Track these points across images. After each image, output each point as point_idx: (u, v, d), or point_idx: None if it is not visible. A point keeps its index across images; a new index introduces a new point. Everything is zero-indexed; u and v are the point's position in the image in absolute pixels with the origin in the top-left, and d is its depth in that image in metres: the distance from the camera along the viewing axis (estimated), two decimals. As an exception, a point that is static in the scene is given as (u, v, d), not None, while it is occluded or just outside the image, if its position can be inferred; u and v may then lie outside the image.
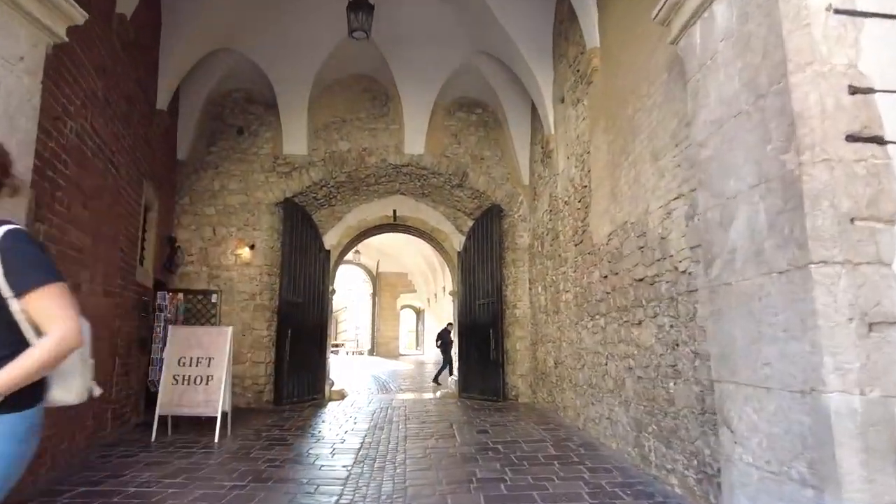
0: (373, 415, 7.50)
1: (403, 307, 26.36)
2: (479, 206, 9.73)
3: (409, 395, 10.00)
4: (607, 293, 5.00)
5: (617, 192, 4.71)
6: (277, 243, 8.85)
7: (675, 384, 3.54)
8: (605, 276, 5.05)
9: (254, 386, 8.32)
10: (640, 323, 4.17)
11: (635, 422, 4.26)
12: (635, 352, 4.26)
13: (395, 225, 10.26)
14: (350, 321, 31.74)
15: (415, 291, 25.55)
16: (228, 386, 5.83)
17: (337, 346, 29.07)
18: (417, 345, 28.14)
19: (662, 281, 3.75)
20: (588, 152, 5.68)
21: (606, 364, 5.01)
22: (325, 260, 9.57)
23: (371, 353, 25.13)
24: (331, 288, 9.69)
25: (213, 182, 8.76)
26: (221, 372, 5.64)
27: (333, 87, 9.22)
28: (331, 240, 9.87)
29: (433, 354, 22.68)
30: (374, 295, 25.61)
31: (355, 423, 6.86)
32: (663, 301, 3.73)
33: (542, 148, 8.11)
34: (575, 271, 6.19)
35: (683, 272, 3.43)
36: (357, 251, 21.35)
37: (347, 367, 17.77)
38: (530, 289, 8.98)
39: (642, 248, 4.10)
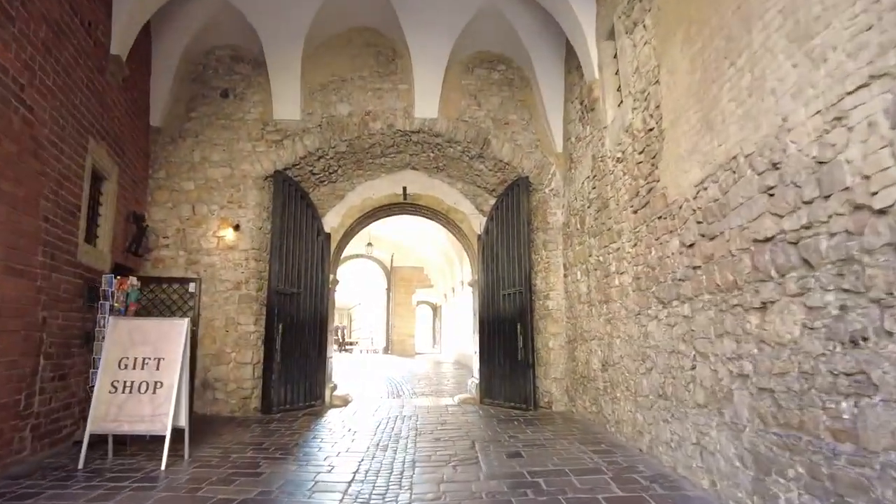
0: (377, 427, 6.15)
1: (419, 303, 25.02)
2: (502, 180, 8.31)
3: (424, 401, 8.64)
4: (694, 268, 3.55)
5: (713, 119, 3.26)
6: (266, 224, 7.56)
7: (856, 405, 2.09)
8: (691, 245, 3.60)
9: (239, 391, 7.03)
10: (764, 306, 2.73)
11: (755, 458, 2.82)
12: (755, 350, 2.82)
13: (404, 205, 8.89)
14: (364, 318, 30.56)
15: (431, 286, 24.20)
16: (185, 394, 4.52)
17: (350, 344, 27.92)
18: (434, 343, 26.81)
19: (821, 234, 2.30)
20: (656, 82, 4.23)
21: (694, 368, 3.56)
22: (324, 244, 8.25)
23: (386, 351, 23.86)
24: (332, 277, 8.37)
25: (193, 153, 7.51)
26: (174, 377, 4.33)
27: (332, 43, 7.89)
28: (331, 222, 8.55)
29: (451, 353, 21.35)
30: (388, 290, 24.33)
31: (353, 439, 5.51)
32: (823, 267, 2.28)
33: (582, 102, 6.66)
34: (635, 245, 4.75)
35: (879, 212, 1.98)
36: (370, 244, 20.15)
37: (359, 366, 16.52)
38: (565, 276, 7.53)
39: (772, 188, 2.65)
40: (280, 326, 7.27)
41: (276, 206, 7.45)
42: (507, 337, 7.82)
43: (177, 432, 4.43)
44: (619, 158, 5.25)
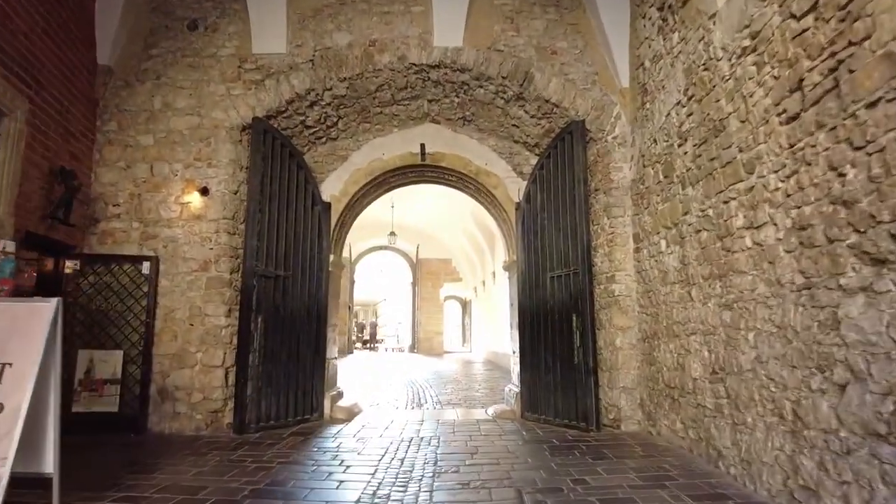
0: (381, 459, 4.38)
1: (447, 298, 23.25)
2: (548, 129, 6.42)
3: (450, 414, 6.84)
4: None
5: None
6: (244, 187, 5.88)
7: None
8: None
9: (206, 403, 5.38)
10: None
11: None
12: None
13: (423, 168, 7.09)
14: (390, 315, 29.01)
15: (460, 280, 22.39)
16: (52, 423, 2.82)
17: (377, 342, 26.39)
18: (464, 341, 24.99)
19: None
20: None
21: None
22: (321, 216, 6.54)
23: (412, 350, 22.20)
24: (331, 258, 6.65)
25: (153, 99, 5.90)
26: (23, 395, 2.63)
27: (327, -44, 6.16)
28: (331, 188, 6.82)
29: (482, 352, 19.51)
30: (413, 284, 22.64)
31: (342, 480, 3.76)
32: None
33: (663, 6, 4.73)
34: (793, 174, 2.82)
35: None
36: (393, 233, 18.48)
37: (381, 366, 14.85)
38: (636, 250, 5.60)
39: None
40: (259, 319, 5.58)
41: (256, 161, 5.75)
42: (556, 333, 5.94)
43: (43, 481, 2.75)
44: (745, 49, 3.31)
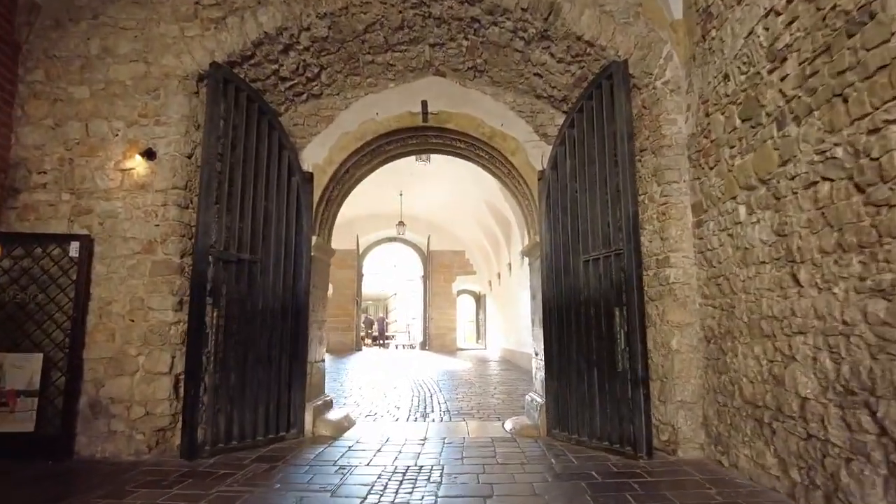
0: (365, 499, 3.22)
1: (460, 293, 22.00)
2: (579, 76, 5.16)
3: (459, 429, 5.66)
4: None
5: None
6: (200, 150, 4.73)
7: None
8: None
9: (149, 419, 4.26)
10: None
11: None
12: None
13: (425, 131, 5.88)
14: (400, 310, 27.90)
15: (473, 273, 21.14)
16: None
17: (387, 338, 25.31)
18: (478, 338, 23.77)
19: None
20: None
21: None
22: (301, 189, 5.38)
23: (424, 346, 21.05)
24: (313, 240, 5.48)
25: (89, 42, 4.77)
26: None
27: None
28: (314, 156, 5.65)
29: (497, 349, 18.29)
30: (424, 278, 21.45)
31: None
32: None
33: None
34: None
35: None
36: (401, 223, 17.34)
37: (388, 365, 13.71)
38: (697, 224, 4.33)
39: None
40: (215, 313, 4.44)
41: (214, 116, 4.59)
42: (592, 331, 4.71)
43: None
44: None
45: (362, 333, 22.56)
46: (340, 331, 20.25)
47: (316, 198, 5.53)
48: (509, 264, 15.91)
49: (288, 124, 5.64)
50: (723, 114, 3.86)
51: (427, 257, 20.90)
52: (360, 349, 20.59)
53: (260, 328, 4.81)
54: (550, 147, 5.56)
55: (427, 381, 10.17)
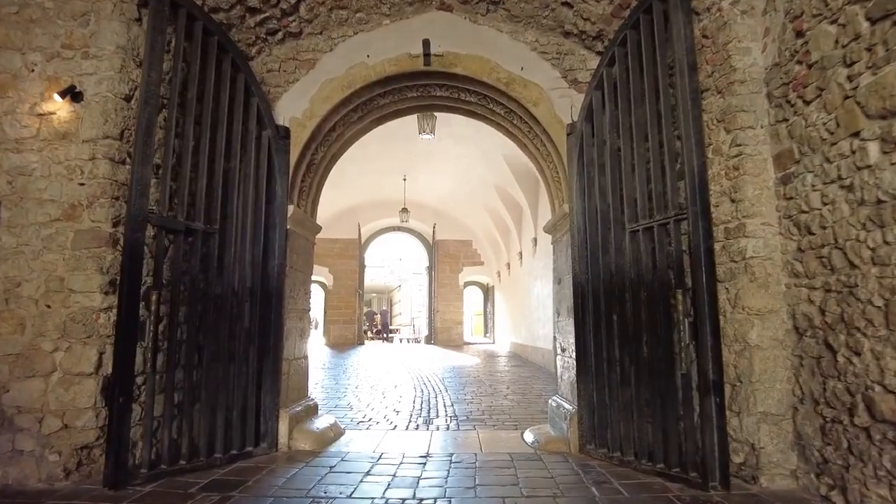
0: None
1: (467, 284, 20.97)
2: (620, 3, 4.10)
3: (469, 440, 4.67)
4: None
5: None
6: (139, 91, 3.71)
7: None
8: None
9: (67, 434, 3.27)
10: None
11: None
12: None
13: (427, 78, 4.84)
14: (405, 303, 26.94)
15: (481, 264, 20.13)
16: None
17: (391, 332, 24.39)
18: (486, 331, 22.77)
19: None
20: None
21: None
22: (274, 146, 4.36)
23: (429, 340, 20.08)
24: (290, 210, 4.47)
25: (1, -44, 3.76)
26: None
27: None
28: (291, 108, 4.63)
29: (506, 343, 17.28)
30: (430, 269, 20.44)
31: None
32: None
33: None
34: None
35: None
36: (405, 209, 16.33)
37: (391, 360, 12.73)
38: (783, 181, 3.28)
39: None
40: (154, 297, 3.43)
41: (156, 47, 3.56)
42: (640, 321, 3.68)
43: None
44: None
45: (364, 327, 21.62)
46: (342, 324, 19.34)
47: (293, 159, 4.51)
48: (520, 253, 14.88)
49: (261, 70, 4.63)
50: (834, 22, 2.80)
51: (432, 247, 19.90)
52: (362, 343, 19.67)
53: (218, 317, 3.82)
54: (582, 96, 4.52)
55: (431, 379, 9.19)
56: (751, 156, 3.43)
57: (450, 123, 10.39)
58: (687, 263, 3.42)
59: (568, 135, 4.48)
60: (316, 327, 23.43)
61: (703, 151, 3.45)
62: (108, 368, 3.38)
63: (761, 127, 3.46)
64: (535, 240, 12.95)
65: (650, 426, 3.54)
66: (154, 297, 3.40)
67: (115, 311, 3.41)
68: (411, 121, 9.87)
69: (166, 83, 3.73)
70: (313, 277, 21.67)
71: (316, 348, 17.07)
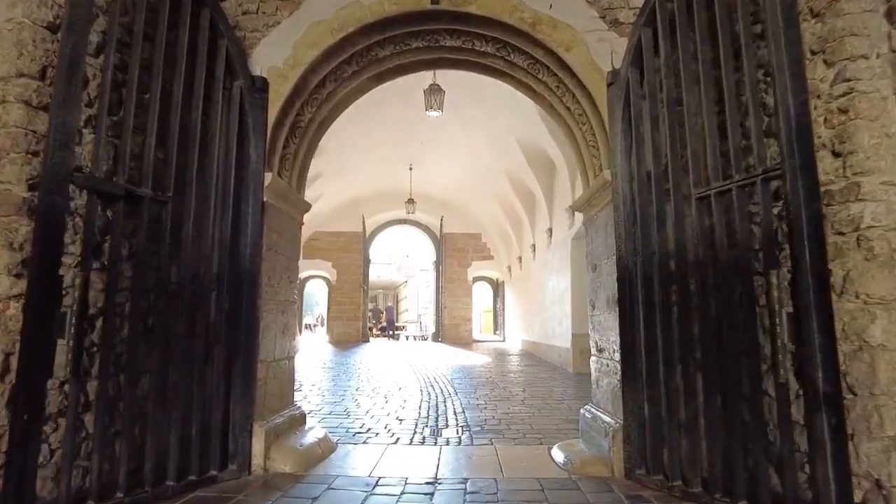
0: None
1: (476, 279, 20.13)
2: (680, -88, 3.24)
3: (486, 462, 3.86)
4: None
5: None
6: (65, 19, 2.91)
7: None
8: None
9: (-35, 461, 2.49)
10: None
11: None
12: None
13: (434, 21, 4.01)
14: (411, 299, 26.15)
15: (491, 258, 19.29)
16: None
17: (397, 329, 23.63)
18: (496, 328, 21.94)
19: None
20: None
21: None
22: (248, 100, 3.55)
23: (437, 338, 19.29)
24: (267, 178, 3.67)
25: None
26: None
27: None
28: (272, 56, 3.81)
29: (516, 341, 16.43)
30: (437, 263, 19.63)
31: None
32: None
33: None
34: None
35: None
36: (411, 200, 15.54)
37: (397, 358, 11.93)
38: (918, 124, 2.42)
39: None
40: (81, 280, 2.63)
41: (83, -39, 2.77)
42: (712, 313, 2.84)
43: None
44: None
45: (369, 324, 20.86)
46: (345, 320, 18.61)
47: (273, 116, 3.70)
48: (533, 245, 14.02)
49: (235, 13, 3.82)
50: None
51: (440, 241, 19.08)
52: (367, 341, 18.92)
53: (173, 308, 3.03)
54: (624, 40, 3.68)
55: (440, 380, 8.38)
56: (865, 93, 2.57)
57: (458, 104, 9.58)
58: (782, 236, 2.58)
59: (609, 84, 3.64)
60: (322, 324, 22.72)
61: (803, 85, 2.60)
62: (8, 377, 2.59)
63: (877, 56, 2.60)
64: (550, 230, 12.09)
65: (733, 451, 2.70)
66: (79, 281, 2.60)
67: (16, 299, 2.61)
68: (418, 102, 9.07)
69: (104, 13, 2.93)
70: (316, 272, 20.78)
71: (318, 346, 16.32)
